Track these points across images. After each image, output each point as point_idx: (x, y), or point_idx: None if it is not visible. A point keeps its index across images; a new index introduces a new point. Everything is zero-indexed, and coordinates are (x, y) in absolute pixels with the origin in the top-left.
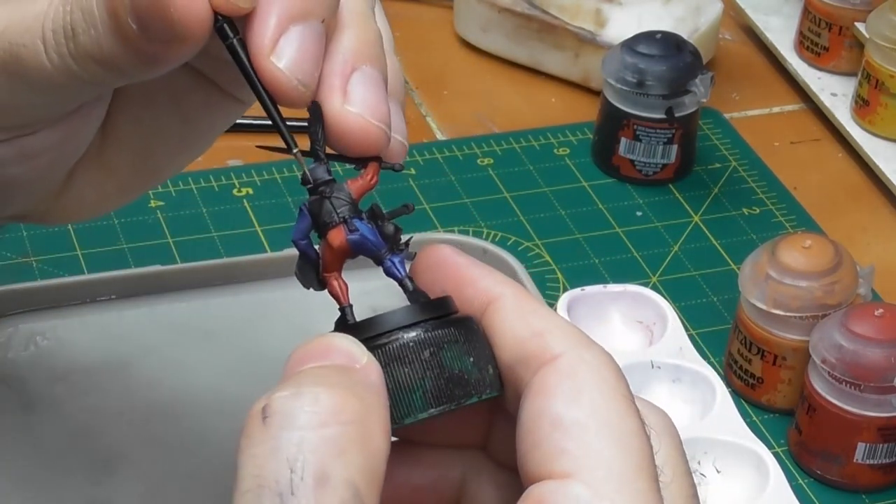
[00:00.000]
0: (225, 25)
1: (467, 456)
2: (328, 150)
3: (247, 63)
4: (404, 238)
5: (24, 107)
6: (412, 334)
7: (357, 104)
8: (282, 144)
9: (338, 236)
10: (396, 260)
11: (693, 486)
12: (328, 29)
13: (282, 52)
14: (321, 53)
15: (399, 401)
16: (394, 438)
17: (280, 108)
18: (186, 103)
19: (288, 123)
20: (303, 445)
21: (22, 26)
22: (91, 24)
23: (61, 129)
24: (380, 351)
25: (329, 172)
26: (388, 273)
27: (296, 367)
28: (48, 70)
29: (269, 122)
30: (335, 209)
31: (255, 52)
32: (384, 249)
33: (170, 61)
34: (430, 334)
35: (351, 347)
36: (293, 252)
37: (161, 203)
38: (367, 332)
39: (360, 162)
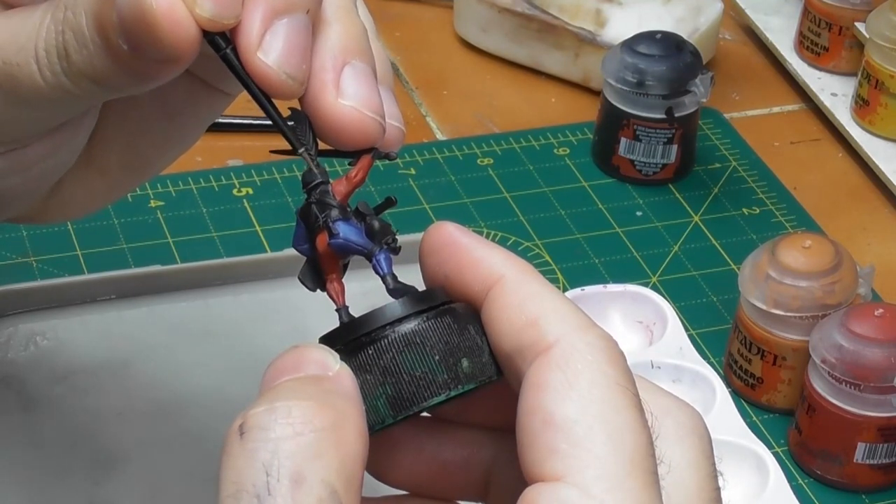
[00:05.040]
0: (216, 37)
1: (499, 437)
2: (322, 147)
3: (242, 71)
4: (395, 232)
5: (18, 121)
6: (375, 340)
7: (350, 98)
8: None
9: (322, 241)
10: (381, 257)
11: (715, 490)
12: (313, 20)
13: (269, 48)
14: (308, 44)
15: (368, 407)
16: (427, 415)
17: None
18: (172, 99)
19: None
20: (278, 452)
21: (15, 46)
22: (83, 44)
23: (54, 139)
24: (351, 358)
25: (320, 174)
26: (374, 271)
27: (271, 382)
28: (42, 88)
29: (269, 122)
30: (319, 214)
31: (243, 50)
32: (371, 247)
33: (163, 77)
34: (391, 338)
35: (323, 356)
36: (293, 252)
37: (161, 203)
38: (347, 335)
39: (355, 155)
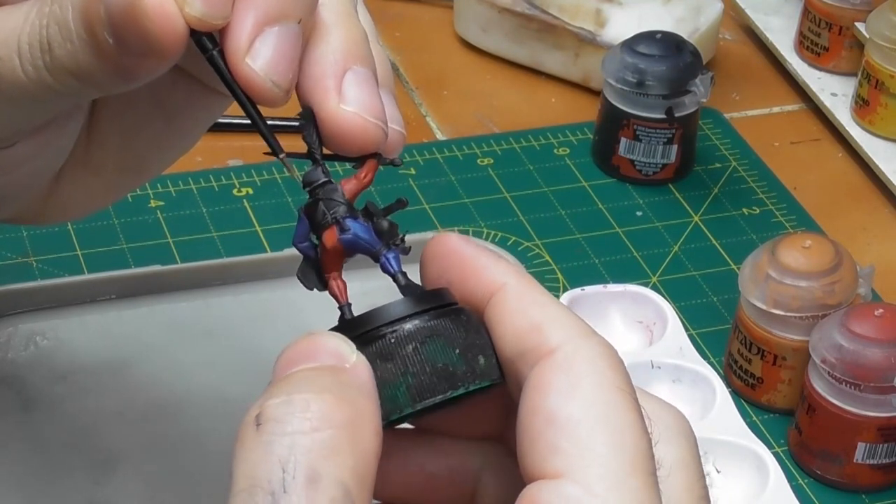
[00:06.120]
0: (204, 38)
1: (485, 447)
2: (326, 152)
3: (227, 73)
4: (402, 234)
5: (1, 119)
6: (396, 330)
7: (352, 103)
8: (291, 148)
9: (331, 237)
10: (391, 256)
11: (704, 489)
12: (305, 29)
13: (257, 54)
14: (297, 54)
15: (386, 397)
16: (411, 427)
17: (271, 112)
18: (168, 101)
19: (281, 124)
20: (294, 448)
21: None
22: (67, 38)
23: (39, 139)
24: (366, 348)
25: (325, 174)
26: (383, 269)
27: (285, 369)
28: (24, 82)
29: (272, 124)
30: (328, 210)
31: (231, 54)
32: (379, 246)
33: (146, 74)
34: (413, 328)
35: (339, 346)
36: (293, 252)
37: (161, 203)
38: (357, 329)
39: (358, 160)
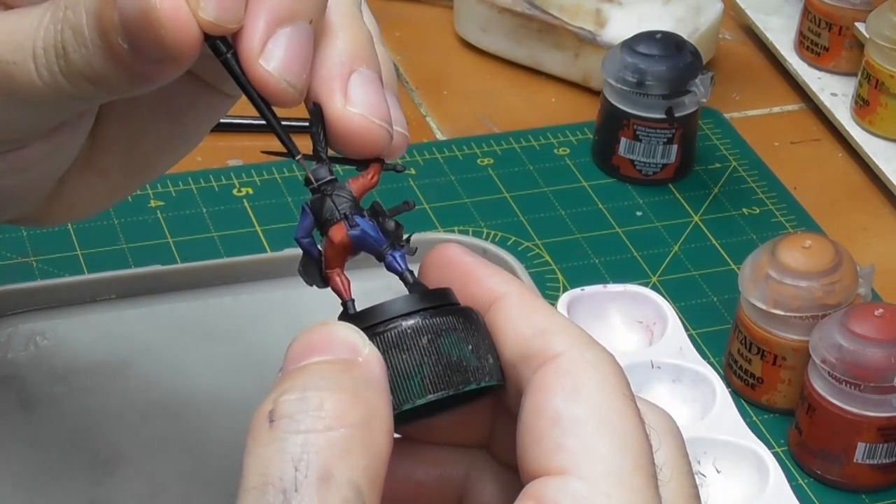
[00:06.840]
0: (217, 42)
1: (470, 455)
2: (330, 153)
3: (242, 76)
4: (406, 235)
5: (15, 122)
6: (410, 322)
7: (358, 105)
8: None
9: (339, 232)
10: (398, 255)
11: (694, 487)
12: (316, 29)
13: (270, 55)
14: (310, 54)
15: (398, 387)
16: (398, 436)
17: (278, 113)
18: (173, 102)
19: (288, 124)
20: (307, 446)
21: (13, 44)
22: (81, 43)
23: (51, 141)
24: (378, 338)
25: (331, 172)
26: (390, 267)
27: (298, 360)
28: (39, 87)
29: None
30: (336, 206)
31: (244, 56)
32: (385, 245)
33: (161, 79)
34: (427, 321)
35: (353, 338)
36: (293, 252)
37: (161, 203)
38: (367, 320)
39: (362, 164)
